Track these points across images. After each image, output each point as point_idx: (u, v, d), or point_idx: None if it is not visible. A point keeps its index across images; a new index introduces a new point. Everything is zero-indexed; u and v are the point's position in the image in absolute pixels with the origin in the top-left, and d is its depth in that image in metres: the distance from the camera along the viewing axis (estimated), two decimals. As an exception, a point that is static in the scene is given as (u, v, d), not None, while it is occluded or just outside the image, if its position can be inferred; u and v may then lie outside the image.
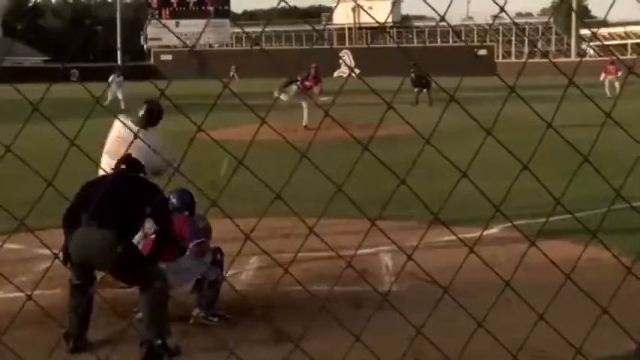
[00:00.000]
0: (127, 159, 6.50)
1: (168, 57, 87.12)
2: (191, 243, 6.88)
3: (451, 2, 3.05)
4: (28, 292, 2.87)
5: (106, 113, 5.95)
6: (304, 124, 24.35)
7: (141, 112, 8.55)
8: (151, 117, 8.44)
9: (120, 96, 35.47)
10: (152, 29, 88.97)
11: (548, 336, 4.03)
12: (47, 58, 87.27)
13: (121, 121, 8.21)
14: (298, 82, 24.96)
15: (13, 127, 4.46)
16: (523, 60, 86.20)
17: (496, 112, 3.02)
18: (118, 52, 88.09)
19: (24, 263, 8.72)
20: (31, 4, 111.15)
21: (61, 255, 6.04)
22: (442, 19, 2.90)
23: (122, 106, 34.03)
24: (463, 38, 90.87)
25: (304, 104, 24.48)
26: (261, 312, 6.98)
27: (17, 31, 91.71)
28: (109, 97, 35.37)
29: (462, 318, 3.86)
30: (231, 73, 48.30)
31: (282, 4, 2.82)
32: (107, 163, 7.73)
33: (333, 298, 6.78)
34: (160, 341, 5.99)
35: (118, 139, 8.33)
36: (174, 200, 7.11)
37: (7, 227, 9.07)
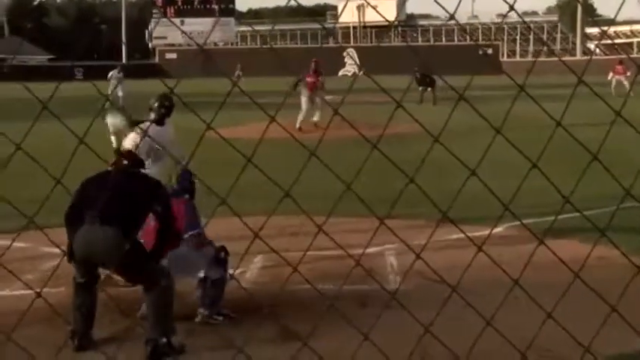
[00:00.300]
0: (128, 153, 6.44)
1: (173, 55, 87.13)
2: (186, 234, 6.84)
3: (460, 1, 3.04)
4: (38, 290, 2.88)
5: (113, 112, 5.96)
6: (315, 119, 24.37)
7: (155, 105, 8.76)
8: (169, 111, 8.79)
9: (120, 93, 35.11)
10: (157, 28, 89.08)
11: (557, 334, 4.02)
12: (52, 56, 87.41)
13: (143, 130, 8.31)
14: (300, 79, 24.98)
15: (20, 125, 4.46)
16: (528, 59, 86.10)
17: (503, 110, 3.02)
18: (123, 51, 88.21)
19: (30, 261, 8.73)
20: (36, 3, 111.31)
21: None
22: (452, 17, 2.89)
23: (121, 103, 33.69)
24: (469, 37, 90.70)
25: (313, 103, 24.50)
26: (268, 310, 6.98)
27: (24, 30, 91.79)
28: (110, 95, 34.97)
29: (469, 316, 3.86)
30: (237, 72, 48.22)
31: (288, 2, 2.82)
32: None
33: (340, 296, 6.78)
34: (165, 340, 5.99)
35: (142, 144, 8.37)
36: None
37: (15, 225, 9.06)
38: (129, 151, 6.50)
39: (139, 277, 6.16)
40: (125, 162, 6.32)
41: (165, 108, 8.92)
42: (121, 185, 6.06)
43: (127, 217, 5.94)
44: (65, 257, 5.88)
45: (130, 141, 9.10)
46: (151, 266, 6.09)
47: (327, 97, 24.83)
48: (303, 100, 24.57)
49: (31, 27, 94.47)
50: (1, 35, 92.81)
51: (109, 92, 34.69)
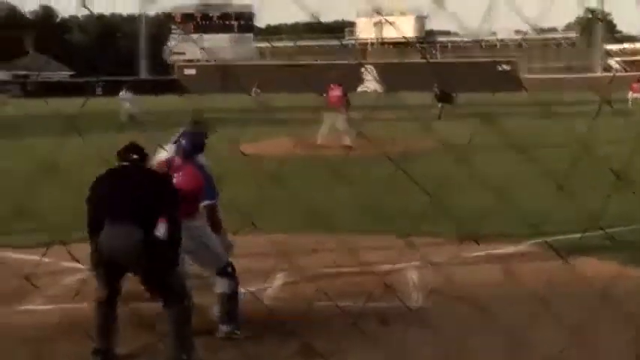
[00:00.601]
0: (136, 148, 6.29)
1: (192, 71, 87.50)
2: (202, 203, 6.73)
3: (487, 19, 3.05)
4: (63, 305, 2.90)
5: (133, 127, 5.98)
6: (347, 143, 23.27)
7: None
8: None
9: (133, 111, 34.71)
10: (176, 43, 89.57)
11: (581, 352, 4.00)
12: (72, 72, 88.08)
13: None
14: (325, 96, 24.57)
15: (40, 140, 4.51)
16: (547, 75, 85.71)
17: (523, 126, 3.03)
18: (141, 66, 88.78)
19: (52, 276, 8.76)
20: (58, 20, 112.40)
21: (89, 262, 5.98)
22: (476, 42, 2.90)
23: (139, 119, 33.33)
24: (487, 54, 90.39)
25: (340, 124, 23.81)
26: (290, 327, 6.96)
27: (48, 47, 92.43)
28: (122, 113, 34.57)
29: (491, 334, 3.85)
30: (254, 89, 48.17)
31: (306, 19, 2.85)
32: None
33: (361, 313, 6.76)
34: (185, 357, 5.97)
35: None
36: (183, 142, 6.89)
37: (35, 240, 9.10)
38: (136, 145, 6.34)
39: (162, 286, 6.08)
40: (135, 156, 6.17)
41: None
42: (135, 182, 5.99)
43: (144, 213, 5.87)
44: (89, 273, 5.86)
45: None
46: (174, 279, 6.05)
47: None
48: (326, 115, 24.10)
49: (54, 45, 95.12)
50: (26, 52, 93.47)
51: (121, 112, 34.70)
